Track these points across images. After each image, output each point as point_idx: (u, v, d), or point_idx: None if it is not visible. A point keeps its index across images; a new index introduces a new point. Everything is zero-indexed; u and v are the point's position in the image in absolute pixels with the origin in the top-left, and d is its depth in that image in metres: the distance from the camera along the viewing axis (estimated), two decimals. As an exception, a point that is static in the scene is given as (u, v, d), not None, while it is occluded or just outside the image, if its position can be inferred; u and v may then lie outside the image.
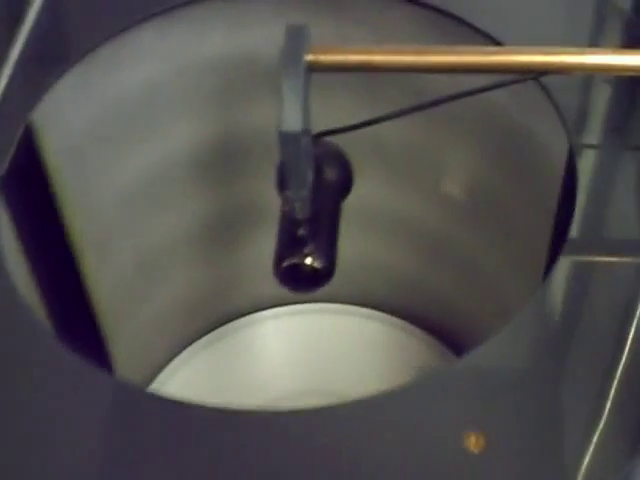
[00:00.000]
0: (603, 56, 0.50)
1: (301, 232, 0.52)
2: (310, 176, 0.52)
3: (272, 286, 0.93)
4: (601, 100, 0.60)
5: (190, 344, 0.93)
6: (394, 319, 0.92)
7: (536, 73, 0.51)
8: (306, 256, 0.52)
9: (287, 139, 0.49)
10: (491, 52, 0.51)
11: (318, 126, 0.56)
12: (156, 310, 0.87)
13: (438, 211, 0.79)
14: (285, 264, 0.53)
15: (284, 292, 0.92)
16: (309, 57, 0.50)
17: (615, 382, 0.47)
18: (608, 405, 0.46)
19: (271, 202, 0.85)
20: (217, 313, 0.93)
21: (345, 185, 0.57)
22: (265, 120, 0.77)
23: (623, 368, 0.48)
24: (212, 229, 0.86)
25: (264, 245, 0.89)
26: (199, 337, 0.94)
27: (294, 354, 0.92)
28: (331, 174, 0.56)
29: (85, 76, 0.64)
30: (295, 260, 0.52)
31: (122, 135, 0.72)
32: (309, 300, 0.94)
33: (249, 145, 0.80)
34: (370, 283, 0.90)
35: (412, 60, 0.50)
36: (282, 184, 0.55)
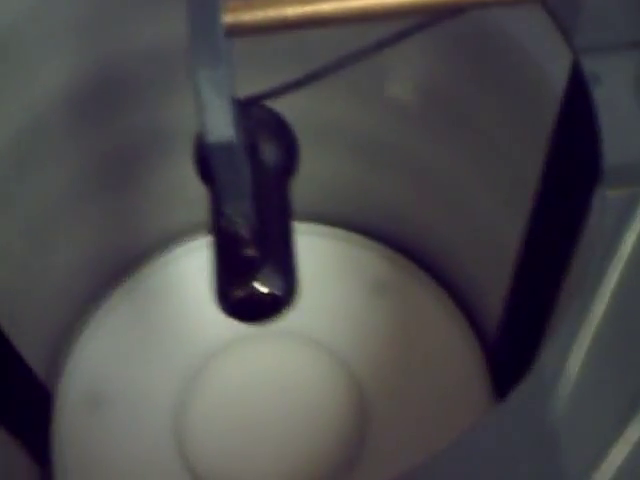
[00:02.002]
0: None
1: (248, 252, 0.38)
2: (249, 177, 0.38)
3: (184, 215, 0.80)
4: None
5: (103, 300, 0.79)
6: (349, 234, 0.79)
7: None
8: (259, 283, 0.39)
9: (216, 151, 0.34)
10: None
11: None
12: (56, 276, 0.73)
13: (388, 118, 0.65)
14: (233, 297, 0.39)
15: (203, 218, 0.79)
16: (227, 18, 0.34)
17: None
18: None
19: (169, 127, 0.70)
20: (127, 260, 0.79)
21: (290, 163, 0.42)
22: (156, 40, 0.61)
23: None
24: (104, 171, 0.71)
25: (165, 176, 0.75)
26: (112, 290, 0.80)
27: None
28: (272, 155, 0.41)
29: None
30: (246, 291, 0.39)
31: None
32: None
33: (136, 71, 0.63)
34: (318, 197, 0.76)
35: (376, 4, 0.34)
36: (204, 170, 0.40)
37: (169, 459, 0.72)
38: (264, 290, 0.39)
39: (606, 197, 0.44)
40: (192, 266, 0.80)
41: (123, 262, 0.79)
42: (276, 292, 0.39)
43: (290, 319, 0.80)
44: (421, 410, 0.71)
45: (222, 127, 0.33)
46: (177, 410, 0.73)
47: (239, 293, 0.39)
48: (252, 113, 0.40)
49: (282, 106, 0.46)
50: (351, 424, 0.71)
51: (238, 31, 0.34)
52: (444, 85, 0.59)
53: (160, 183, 0.75)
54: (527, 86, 0.51)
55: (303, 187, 0.74)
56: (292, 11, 0.34)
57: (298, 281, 0.40)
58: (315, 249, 0.80)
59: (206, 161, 0.36)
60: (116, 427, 0.74)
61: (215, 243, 0.39)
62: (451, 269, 0.74)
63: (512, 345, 0.68)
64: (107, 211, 0.73)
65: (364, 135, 0.68)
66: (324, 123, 0.68)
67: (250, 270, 0.38)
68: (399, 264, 0.77)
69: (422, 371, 0.73)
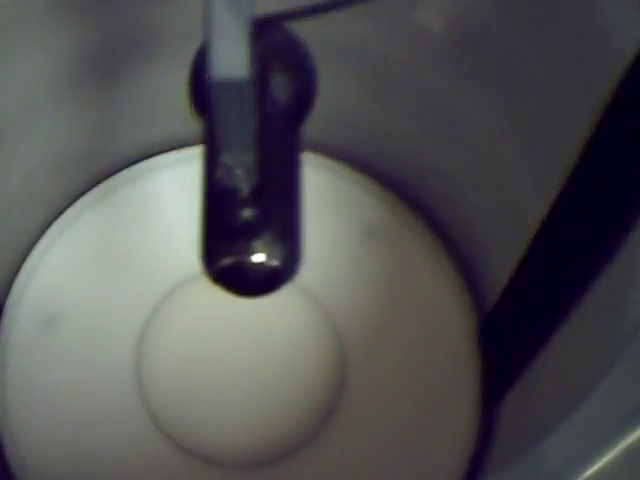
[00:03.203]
0: None
1: (246, 214, 0.31)
2: (258, 122, 0.30)
3: (164, 127, 0.72)
4: None
5: (65, 213, 0.72)
6: (346, 169, 0.71)
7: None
8: (256, 251, 0.31)
9: (223, 89, 0.26)
10: None
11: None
12: (15, 184, 0.65)
13: (412, 49, 0.57)
14: (223, 263, 0.32)
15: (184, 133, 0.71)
16: None
17: None
18: None
19: (162, 30, 0.62)
20: (95, 171, 0.71)
21: (306, 103, 0.34)
22: None
23: None
24: (80, 71, 0.62)
25: (149, 80, 0.67)
26: (76, 202, 0.72)
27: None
28: (286, 92, 0.33)
29: None
30: (239, 258, 0.31)
31: None
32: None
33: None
34: (318, 125, 0.68)
35: None
36: (201, 106, 0.32)
37: (125, 391, 0.66)
38: (260, 260, 0.32)
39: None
40: (167, 182, 0.73)
41: (91, 172, 0.71)
42: (275, 264, 0.32)
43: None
44: (403, 364, 0.65)
45: (234, 61, 0.25)
46: (139, 339, 0.67)
47: (229, 260, 0.32)
48: (266, 36, 0.32)
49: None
50: (329, 372, 0.66)
51: None
52: (482, 20, 0.51)
53: (141, 90, 0.66)
54: (587, 41, 0.43)
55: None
56: None
57: (303, 252, 0.33)
58: (305, 180, 0.72)
59: (205, 96, 0.29)
60: (69, 352, 0.68)
61: (206, 196, 0.32)
62: (455, 225, 0.67)
63: (509, 316, 0.62)
64: (76, 115, 0.65)
65: (381, 65, 0.60)
66: (337, 47, 0.60)
67: (246, 235, 0.31)
68: (397, 210, 0.70)
69: (408, 324, 0.67)
